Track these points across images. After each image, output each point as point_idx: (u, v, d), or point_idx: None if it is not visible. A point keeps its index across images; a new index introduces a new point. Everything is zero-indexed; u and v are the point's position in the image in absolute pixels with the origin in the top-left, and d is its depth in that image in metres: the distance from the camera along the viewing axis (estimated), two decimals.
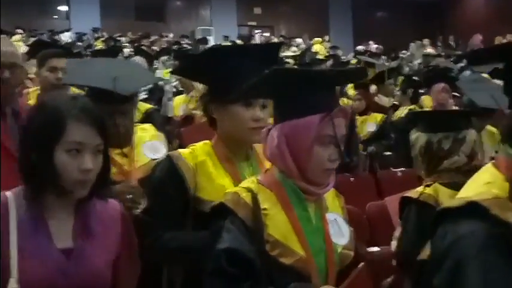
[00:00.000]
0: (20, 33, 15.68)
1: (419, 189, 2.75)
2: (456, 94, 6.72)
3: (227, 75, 2.02)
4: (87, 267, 1.62)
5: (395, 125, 6.46)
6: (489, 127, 3.93)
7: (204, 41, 17.71)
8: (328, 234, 1.73)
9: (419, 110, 6.24)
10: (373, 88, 7.49)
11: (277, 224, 1.63)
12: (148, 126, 2.90)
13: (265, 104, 2.03)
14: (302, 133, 1.57)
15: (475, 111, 3.29)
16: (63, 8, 19.63)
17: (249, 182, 1.74)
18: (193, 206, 2.00)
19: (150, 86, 7.31)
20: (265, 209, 1.62)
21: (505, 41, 17.26)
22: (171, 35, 17.82)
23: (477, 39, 17.81)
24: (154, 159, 2.59)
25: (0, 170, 2.50)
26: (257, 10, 21.81)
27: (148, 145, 2.65)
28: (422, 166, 2.90)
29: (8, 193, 1.60)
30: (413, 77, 8.82)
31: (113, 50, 9.73)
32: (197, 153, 2.07)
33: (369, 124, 6.66)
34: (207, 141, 2.16)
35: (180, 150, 2.16)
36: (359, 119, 6.64)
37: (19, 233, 1.54)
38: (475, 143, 2.83)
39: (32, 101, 4.02)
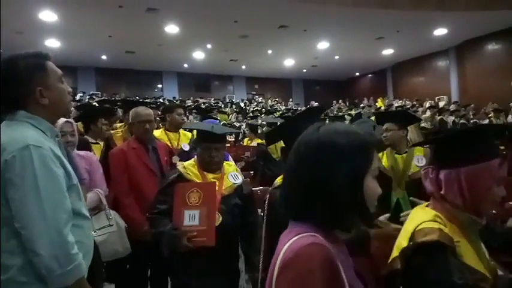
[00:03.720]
0: (138, 98, 15.20)
1: None
2: None
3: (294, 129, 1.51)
4: None
5: None
6: None
7: (231, 102, 17.30)
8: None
9: None
10: None
11: (468, 253, 1.02)
12: (231, 162, 2.38)
13: None
14: (484, 176, 1.02)
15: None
16: (160, 85, 19.17)
17: (433, 215, 1.05)
18: None
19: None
20: (458, 241, 1.01)
21: (379, 100, 17.92)
22: (213, 99, 17.48)
23: (365, 101, 17.49)
24: (235, 183, 2.08)
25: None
26: (256, 86, 21.19)
27: (232, 174, 2.11)
28: None
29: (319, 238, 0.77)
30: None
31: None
32: None
33: None
34: None
35: None
36: None
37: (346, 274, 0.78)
38: None
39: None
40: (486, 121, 9.64)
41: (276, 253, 0.84)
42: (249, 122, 7.28)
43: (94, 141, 3.33)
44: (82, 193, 1.37)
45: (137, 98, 15.33)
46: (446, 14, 11.76)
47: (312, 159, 0.82)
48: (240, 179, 2.14)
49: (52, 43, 12.95)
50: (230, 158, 3.38)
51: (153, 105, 5.95)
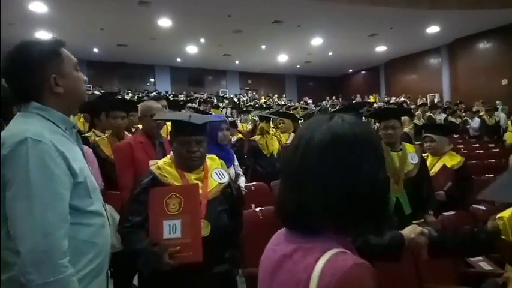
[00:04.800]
0: (129, 92, 15.24)
1: None
2: None
3: None
4: None
5: None
6: None
7: (224, 96, 17.21)
8: None
9: None
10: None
11: None
12: (214, 156, 1.93)
13: None
14: None
15: None
16: (152, 79, 18.96)
17: None
18: None
19: None
20: None
21: (371, 96, 18.03)
22: (206, 94, 17.34)
23: (358, 97, 17.52)
24: (221, 183, 1.77)
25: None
26: (249, 81, 21.02)
27: (217, 172, 1.81)
28: None
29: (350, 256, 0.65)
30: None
31: (176, 101, 9.33)
32: None
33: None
34: None
35: None
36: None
37: None
38: None
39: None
40: (477, 119, 9.74)
41: (285, 271, 0.70)
42: (233, 118, 7.12)
43: (102, 134, 3.22)
44: (96, 189, 1.26)
45: (129, 91, 15.46)
46: (439, 12, 11.83)
47: (355, 159, 0.67)
48: (226, 177, 1.82)
49: (42, 35, 12.73)
50: (234, 155, 3.25)
51: (146, 99, 5.79)
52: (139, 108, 2.60)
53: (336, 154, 0.67)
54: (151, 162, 1.85)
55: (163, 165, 1.74)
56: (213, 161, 1.86)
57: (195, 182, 1.70)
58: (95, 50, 15.78)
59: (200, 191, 1.64)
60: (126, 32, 13.19)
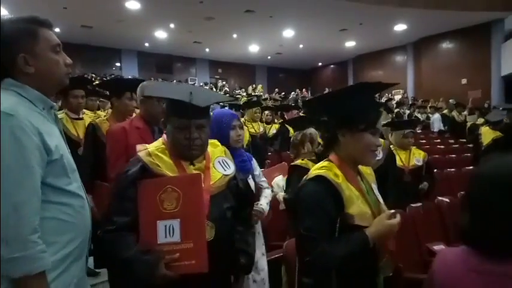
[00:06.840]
0: (93, 76, 14.32)
1: (298, 162, 2.44)
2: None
3: (359, 108, 1.27)
4: None
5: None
6: None
7: (193, 84, 16.87)
8: None
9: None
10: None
11: None
12: (216, 141, 1.57)
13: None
14: None
15: (313, 119, 2.75)
16: (118, 64, 18.34)
17: None
18: (341, 219, 1.20)
19: None
20: None
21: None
22: (174, 81, 16.51)
23: (327, 91, 17.88)
24: (226, 175, 1.43)
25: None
26: (219, 70, 20.73)
27: (220, 161, 1.47)
28: (293, 150, 2.68)
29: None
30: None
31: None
32: (333, 172, 1.25)
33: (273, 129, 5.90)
34: (327, 163, 1.30)
35: (320, 171, 1.26)
36: (268, 126, 5.91)
37: None
38: (312, 135, 2.58)
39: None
40: (437, 116, 10.13)
41: None
42: None
43: (76, 116, 3.19)
44: (75, 170, 1.23)
45: (93, 75, 14.84)
46: (407, 11, 12.22)
47: None
48: (231, 168, 1.48)
49: None
50: (254, 161, 2.39)
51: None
52: (140, 89, 2.26)
53: None
54: (139, 146, 1.44)
55: (154, 151, 1.38)
56: (214, 148, 1.52)
57: (195, 172, 1.38)
58: (57, 30, 14.82)
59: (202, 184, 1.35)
60: (91, 12, 12.59)
